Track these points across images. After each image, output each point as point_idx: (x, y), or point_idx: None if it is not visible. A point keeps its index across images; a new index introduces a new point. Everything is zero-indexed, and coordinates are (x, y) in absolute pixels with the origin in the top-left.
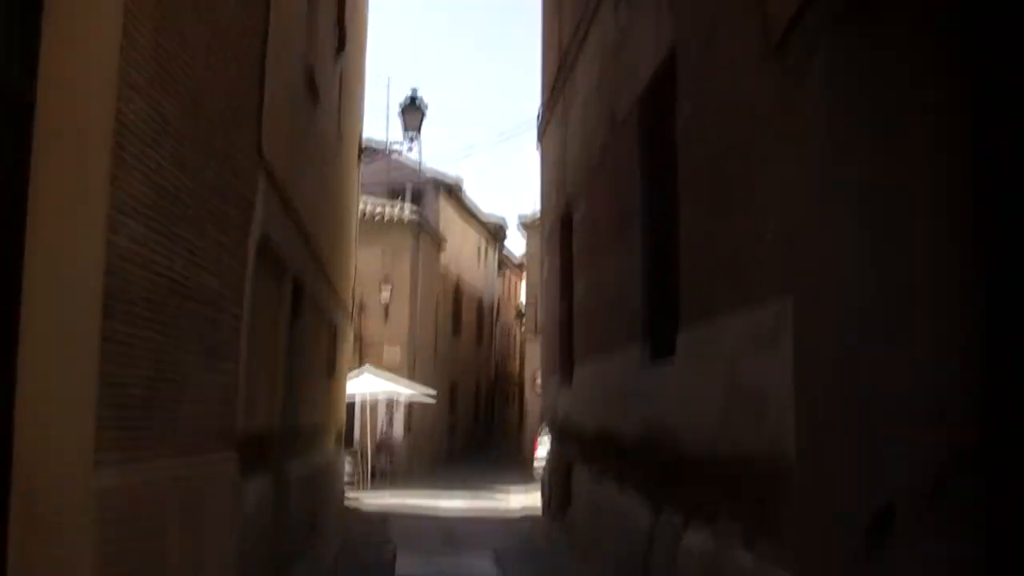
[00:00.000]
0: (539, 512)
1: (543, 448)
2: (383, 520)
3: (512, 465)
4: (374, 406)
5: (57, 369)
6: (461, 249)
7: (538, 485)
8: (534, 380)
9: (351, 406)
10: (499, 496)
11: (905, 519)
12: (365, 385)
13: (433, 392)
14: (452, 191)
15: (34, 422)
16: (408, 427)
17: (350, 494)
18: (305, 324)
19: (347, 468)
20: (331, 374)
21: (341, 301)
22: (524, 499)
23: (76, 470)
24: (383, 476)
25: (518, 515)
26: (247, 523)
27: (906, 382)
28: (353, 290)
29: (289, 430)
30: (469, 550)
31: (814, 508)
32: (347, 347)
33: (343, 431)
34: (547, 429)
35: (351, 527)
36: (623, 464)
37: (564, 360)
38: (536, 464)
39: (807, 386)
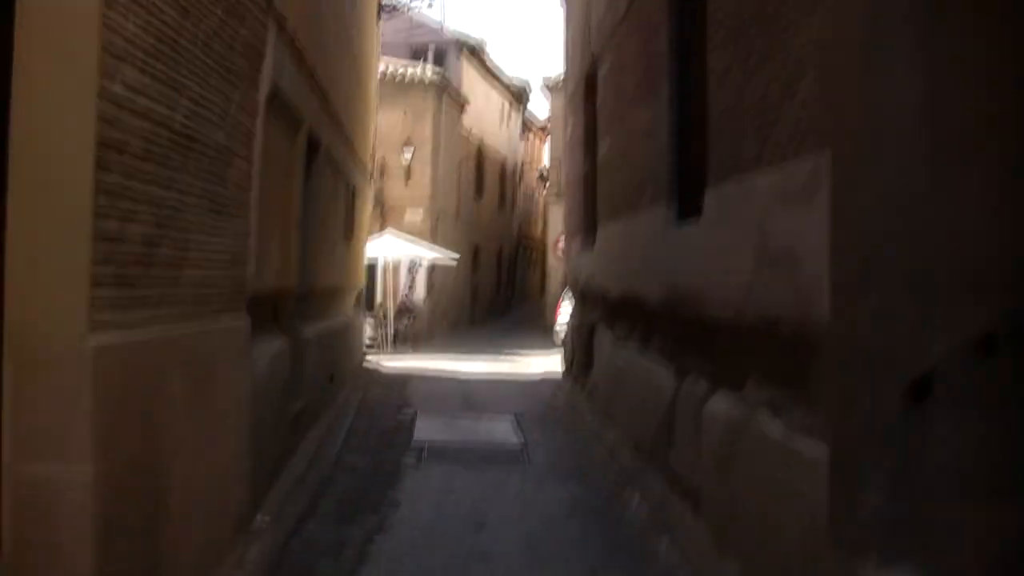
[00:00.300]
0: (560, 376)
1: (565, 313)
2: (403, 382)
3: (534, 329)
4: (396, 269)
5: (47, 221)
6: (484, 111)
7: (559, 350)
8: (557, 244)
9: (372, 269)
10: (520, 359)
11: (945, 385)
12: (386, 248)
13: (455, 255)
14: (475, 52)
15: (24, 276)
16: (430, 290)
17: (371, 357)
18: (321, 183)
19: (368, 331)
20: (349, 235)
21: (360, 161)
22: (545, 363)
23: (71, 328)
24: (404, 339)
25: (539, 378)
26: (259, 386)
27: (952, 245)
28: (373, 151)
29: (305, 292)
30: (489, 413)
31: (848, 374)
32: (366, 208)
33: (363, 294)
34: (569, 293)
35: (370, 389)
36: (646, 328)
37: (587, 222)
38: (557, 328)
39: (843, 246)
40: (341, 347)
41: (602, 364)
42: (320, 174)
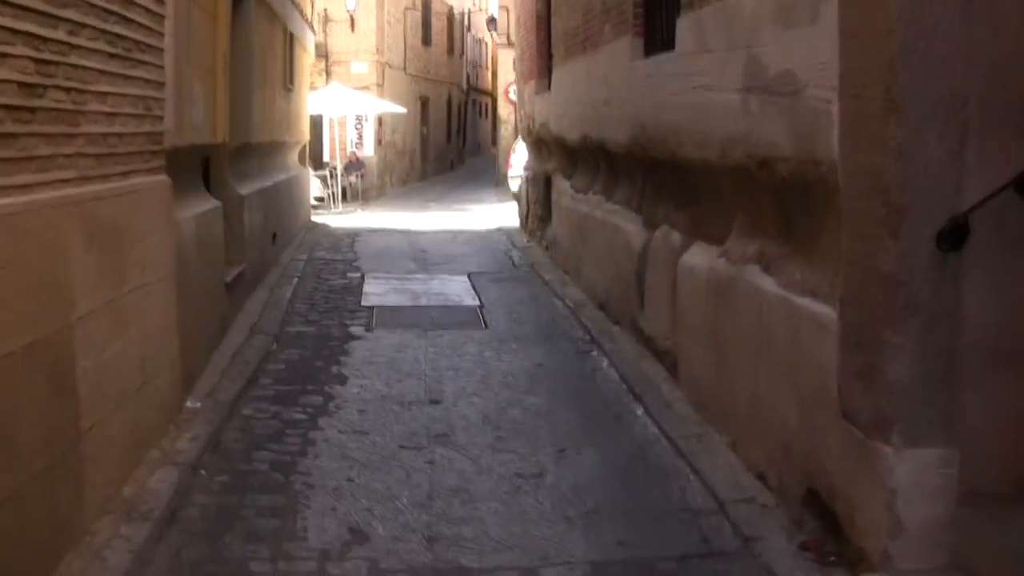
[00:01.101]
0: (515, 229)
1: (517, 163)
2: (351, 240)
3: (486, 181)
4: (342, 123)
5: None
6: None
7: (513, 201)
8: (507, 91)
9: (318, 124)
10: (473, 212)
11: (981, 233)
12: (332, 101)
13: (402, 109)
14: None
15: None
16: (378, 144)
17: (320, 215)
18: (251, 26)
19: (316, 189)
20: (289, 86)
21: (297, 5)
22: (499, 215)
23: None
24: (354, 196)
25: (493, 232)
26: (185, 252)
27: (986, 71)
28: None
29: (239, 147)
30: (443, 272)
31: (863, 222)
32: (306, 57)
33: (307, 149)
34: (522, 143)
35: (317, 248)
36: (610, 175)
37: (541, 64)
38: (511, 178)
39: (855, 70)
40: (285, 205)
41: (561, 217)
42: (249, 16)
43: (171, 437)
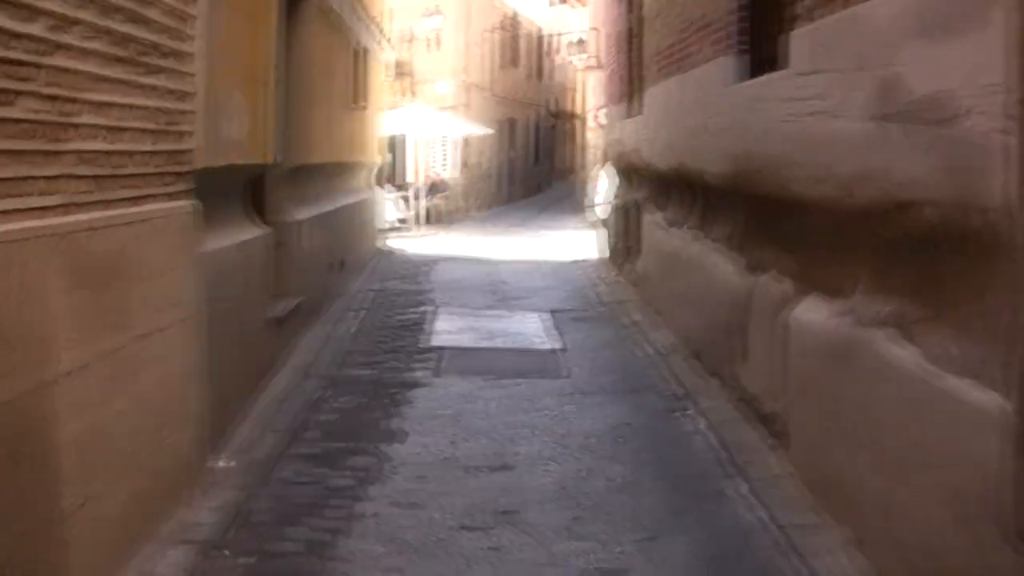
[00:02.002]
0: (598, 261)
1: (602, 190)
2: (427, 269)
3: (570, 207)
4: (427, 144)
5: None
6: None
7: (596, 229)
8: (595, 113)
9: (401, 144)
10: (555, 239)
11: None
12: (416, 121)
13: (488, 130)
14: None
15: None
16: (463, 166)
17: (398, 238)
18: (311, 36)
19: (396, 211)
20: (358, 104)
21: (369, 17)
22: (584, 242)
23: None
24: (436, 219)
25: (579, 262)
26: (216, 288)
27: None
28: (391, 12)
29: (294, 168)
30: (521, 307)
31: None
32: (378, 74)
33: (382, 170)
34: (607, 168)
35: (388, 277)
36: (706, 209)
37: (630, 87)
38: (596, 205)
39: None
40: (352, 230)
41: (650, 251)
42: (309, 24)
43: (192, 506)
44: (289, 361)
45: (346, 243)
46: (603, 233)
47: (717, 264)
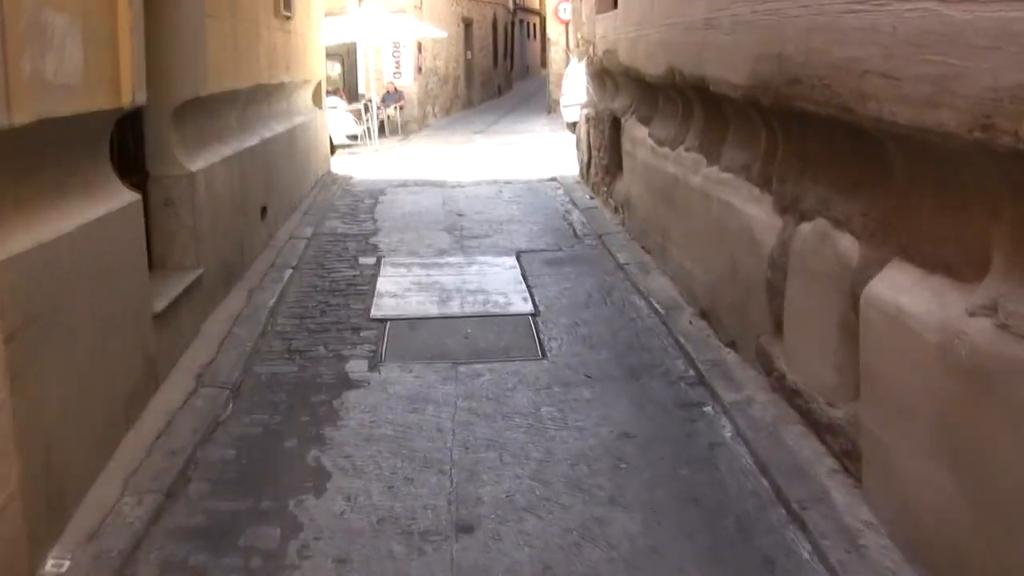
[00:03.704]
0: (575, 176)
1: (571, 88)
2: (374, 198)
3: (536, 109)
4: (378, 51)
5: None
6: None
7: (566, 131)
8: (556, 11)
9: (352, 53)
10: (524, 144)
11: None
12: (366, 27)
13: (443, 34)
14: None
15: None
16: (419, 71)
17: (354, 153)
18: None
19: (350, 126)
20: (281, 10)
21: None
22: (553, 149)
23: None
24: (393, 129)
25: (549, 181)
26: (53, 290)
27: None
28: None
29: (189, 103)
30: (484, 250)
31: None
32: None
33: (322, 85)
34: (574, 65)
35: (327, 217)
36: (713, 128)
37: None
38: (563, 107)
39: None
40: (285, 164)
41: (636, 173)
42: None
43: None
44: (180, 362)
45: (274, 183)
46: (577, 147)
47: (731, 202)
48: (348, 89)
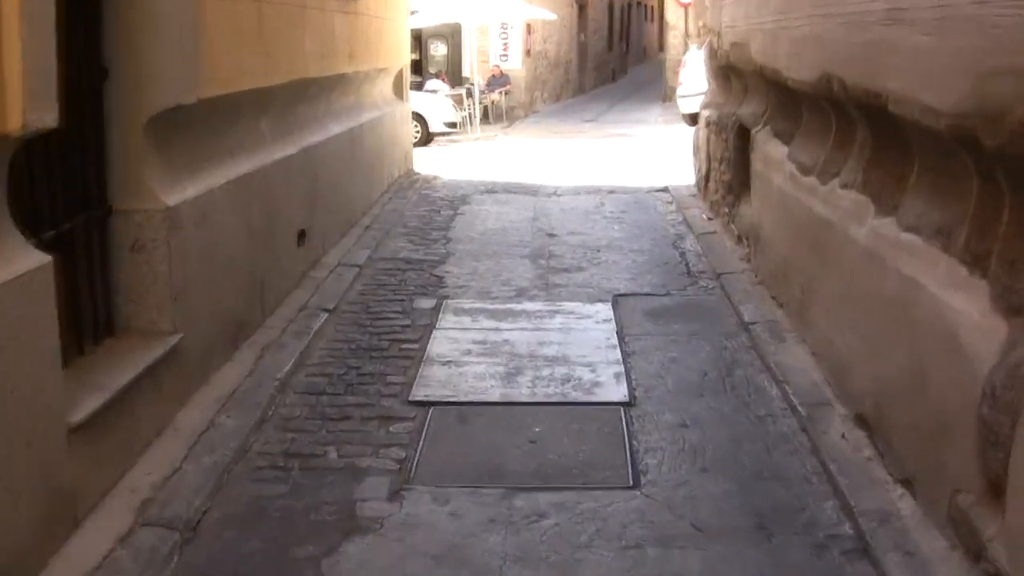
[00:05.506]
0: (688, 187)
1: (689, 77)
2: (453, 209)
3: (651, 94)
4: (484, 33)
5: None
6: None
7: (682, 123)
8: None
9: (457, 34)
10: (636, 136)
11: None
12: (471, 7)
13: (553, 16)
14: None
15: None
16: (527, 54)
17: (454, 142)
18: None
19: (449, 112)
20: None
21: None
22: (667, 145)
23: None
24: (498, 116)
25: (659, 192)
26: None
27: None
28: None
29: (171, 110)
30: (572, 293)
31: None
32: None
33: (405, 72)
34: (694, 52)
35: (388, 236)
36: (887, 160)
37: None
38: (680, 97)
39: None
40: (340, 174)
41: (768, 199)
42: None
43: None
44: (126, 481)
45: (321, 198)
46: (693, 148)
47: (918, 278)
48: (451, 72)
